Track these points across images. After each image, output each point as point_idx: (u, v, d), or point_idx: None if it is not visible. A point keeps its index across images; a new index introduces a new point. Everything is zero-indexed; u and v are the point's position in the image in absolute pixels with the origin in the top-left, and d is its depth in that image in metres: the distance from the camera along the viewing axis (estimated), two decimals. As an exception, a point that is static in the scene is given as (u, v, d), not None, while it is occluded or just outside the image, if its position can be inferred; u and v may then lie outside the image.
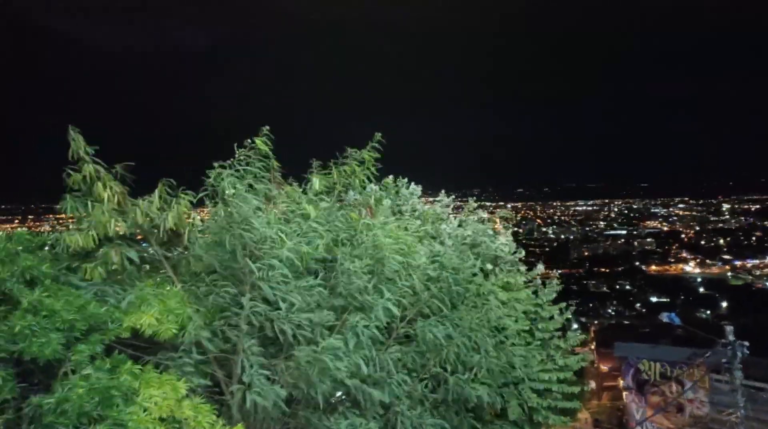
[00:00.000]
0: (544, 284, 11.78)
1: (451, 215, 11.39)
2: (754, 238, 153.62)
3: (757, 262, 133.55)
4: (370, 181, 8.18)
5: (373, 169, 8.00)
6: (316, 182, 7.68)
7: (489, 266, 9.92)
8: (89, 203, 6.30)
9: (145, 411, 5.14)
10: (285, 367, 6.21)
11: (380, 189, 10.30)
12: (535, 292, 11.52)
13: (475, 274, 8.27)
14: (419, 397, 7.16)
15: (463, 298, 7.92)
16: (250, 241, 6.33)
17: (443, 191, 11.84)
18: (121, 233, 6.57)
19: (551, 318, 11.22)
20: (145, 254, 7.04)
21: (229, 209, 6.63)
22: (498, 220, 12.40)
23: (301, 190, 7.76)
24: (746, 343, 10.80)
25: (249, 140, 7.10)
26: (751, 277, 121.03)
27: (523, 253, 11.92)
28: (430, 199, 11.70)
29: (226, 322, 6.51)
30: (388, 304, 6.34)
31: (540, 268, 11.92)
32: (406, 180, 11.27)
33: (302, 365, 5.98)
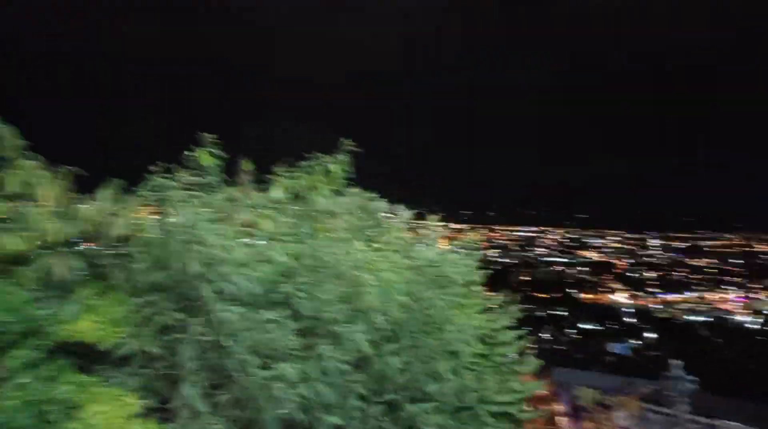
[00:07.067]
0: (502, 309, 11.63)
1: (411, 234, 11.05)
2: (678, 274, 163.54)
3: (679, 296, 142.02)
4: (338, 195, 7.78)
5: (340, 182, 7.62)
6: (278, 189, 7.19)
7: (450, 290, 9.69)
8: (27, 206, 5.64)
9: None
10: (228, 399, 5.70)
11: None
12: (492, 317, 11.34)
13: (439, 301, 8.01)
14: (374, 424, 6.79)
15: (423, 324, 7.64)
16: (201, 260, 5.74)
17: (402, 206, 11.23)
18: (62, 239, 5.91)
19: (508, 343, 11.11)
20: (88, 261, 6.38)
21: (177, 220, 6.01)
22: (451, 242, 12.18)
23: (266, 195, 7.22)
24: (695, 378, 11.00)
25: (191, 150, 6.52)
26: (673, 311, 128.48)
27: (480, 277, 11.76)
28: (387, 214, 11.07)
29: (168, 342, 5.91)
30: (360, 337, 5.98)
31: (502, 293, 11.76)
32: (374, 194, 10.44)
33: (251, 392, 5.52)
